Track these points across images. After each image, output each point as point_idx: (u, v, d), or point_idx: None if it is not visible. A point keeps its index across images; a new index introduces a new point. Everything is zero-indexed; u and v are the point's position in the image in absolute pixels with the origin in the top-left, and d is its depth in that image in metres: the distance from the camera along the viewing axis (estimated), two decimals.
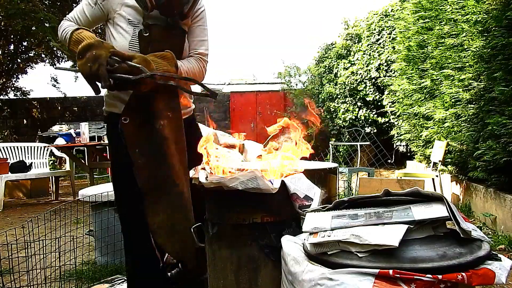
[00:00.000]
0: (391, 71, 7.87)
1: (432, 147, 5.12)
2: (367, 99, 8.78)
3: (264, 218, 1.55)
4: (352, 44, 9.30)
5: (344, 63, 9.19)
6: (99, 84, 1.53)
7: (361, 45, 9.06)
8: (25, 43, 11.03)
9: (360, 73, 8.80)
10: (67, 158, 6.51)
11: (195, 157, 1.70)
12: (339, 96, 9.05)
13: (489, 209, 3.76)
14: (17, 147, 6.34)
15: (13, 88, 11.63)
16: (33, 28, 9.04)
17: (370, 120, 8.78)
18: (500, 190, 3.59)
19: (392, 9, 8.63)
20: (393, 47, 7.71)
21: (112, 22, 1.74)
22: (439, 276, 1.06)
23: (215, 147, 1.77)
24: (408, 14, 5.86)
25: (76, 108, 11.69)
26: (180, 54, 1.75)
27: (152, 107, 1.67)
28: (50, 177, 6.47)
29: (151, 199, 1.69)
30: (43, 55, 11.32)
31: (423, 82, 5.13)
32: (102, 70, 1.46)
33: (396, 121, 7.55)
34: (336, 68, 9.37)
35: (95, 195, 2.73)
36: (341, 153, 8.53)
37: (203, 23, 1.85)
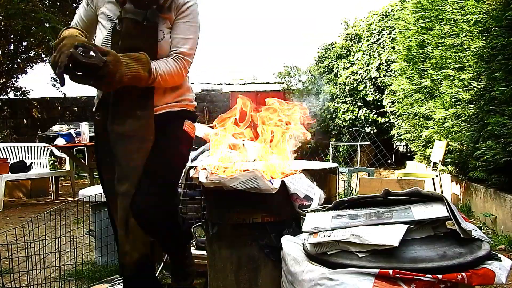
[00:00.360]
0: (391, 71, 7.87)
1: (432, 147, 5.12)
2: (367, 99, 8.78)
3: (264, 218, 1.55)
4: (352, 44, 9.30)
5: (344, 63, 9.19)
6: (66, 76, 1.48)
7: (361, 45, 9.06)
8: (25, 43, 11.02)
9: (360, 73, 8.81)
10: (67, 158, 6.51)
11: (169, 156, 1.67)
12: (339, 96, 9.05)
13: (489, 209, 3.76)
14: (17, 147, 6.34)
15: (13, 88, 11.62)
16: (33, 28, 9.03)
17: (370, 120, 8.78)
18: (500, 190, 3.58)
19: (392, 9, 8.63)
20: (393, 47, 7.71)
21: (98, 20, 1.72)
22: (439, 276, 1.06)
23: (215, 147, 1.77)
24: (408, 14, 5.86)
25: (76, 108, 11.67)
26: (152, 49, 1.63)
27: (118, 104, 1.66)
28: (50, 177, 6.47)
29: (112, 198, 1.70)
30: (43, 55, 11.31)
31: (423, 82, 5.13)
32: (61, 58, 1.41)
33: (396, 121, 7.55)
34: (336, 68, 9.37)
35: (95, 195, 2.73)
36: (341, 153, 8.53)
37: (191, 20, 1.70)
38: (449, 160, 4.67)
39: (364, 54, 8.90)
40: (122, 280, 1.86)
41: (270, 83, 11.52)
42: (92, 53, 1.44)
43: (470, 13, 3.73)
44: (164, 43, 1.66)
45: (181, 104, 1.80)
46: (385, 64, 8.40)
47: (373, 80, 8.66)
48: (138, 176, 1.62)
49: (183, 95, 1.81)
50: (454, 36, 4.18)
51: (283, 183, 1.52)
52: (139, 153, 1.63)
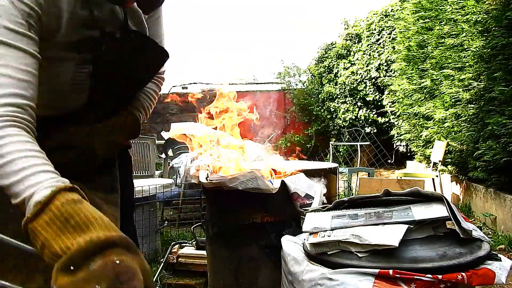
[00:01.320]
0: (391, 71, 7.87)
1: (432, 147, 5.12)
2: (367, 99, 8.78)
3: (264, 218, 1.55)
4: (352, 44, 9.31)
5: (344, 63, 9.20)
6: None
7: (361, 45, 9.07)
8: None
9: (360, 73, 8.81)
10: None
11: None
12: (339, 96, 9.06)
13: (489, 209, 3.76)
14: None
15: None
16: None
17: (370, 120, 8.78)
18: (500, 190, 3.59)
19: (392, 9, 8.64)
20: (393, 47, 7.71)
21: (47, 52, 0.88)
22: (439, 276, 1.06)
23: (216, 147, 1.77)
24: (408, 14, 5.87)
25: None
26: (153, 73, 1.13)
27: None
28: None
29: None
30: None
31: (423, 82, 5.13)
32: None
33: (396, 121, 7.55)
34: (336, 68, 9.37)
35: None
36: (341, 153, 8.53)
37: (161, 13, 1.15)
38: (449, 160, 4.67)
39: (364, 54, 8.91)
40: None
41: (270, 83, 11.52)
42: None
43: (470, 13, 3.73)
44: None
45: None
46: (385, 64, 8.40)
47: (373, 80, 8.66)
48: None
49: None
50: (454, 36, 4.18)
51: (283, 183, 1.52)
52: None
